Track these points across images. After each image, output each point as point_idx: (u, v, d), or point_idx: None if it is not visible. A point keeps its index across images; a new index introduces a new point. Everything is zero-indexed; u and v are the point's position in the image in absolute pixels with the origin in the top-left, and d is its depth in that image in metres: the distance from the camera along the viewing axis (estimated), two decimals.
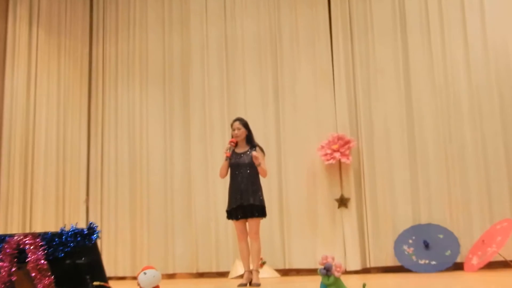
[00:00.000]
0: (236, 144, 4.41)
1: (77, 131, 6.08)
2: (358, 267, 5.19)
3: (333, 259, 5.47)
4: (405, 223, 5.20)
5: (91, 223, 3.16)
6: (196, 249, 5.67)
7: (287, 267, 5.43)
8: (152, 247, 5.80)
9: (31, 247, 2.79)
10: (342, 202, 5.37)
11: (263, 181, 4.46)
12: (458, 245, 4.95)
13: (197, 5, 6.14)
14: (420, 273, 4.85)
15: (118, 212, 5.96)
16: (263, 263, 5.13)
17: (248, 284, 4.15)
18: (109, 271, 4.93)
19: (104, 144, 6.16)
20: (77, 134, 6.08)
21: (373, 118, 5.47)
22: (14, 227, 5.01)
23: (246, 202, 4.22)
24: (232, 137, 4.39)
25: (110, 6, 6.43)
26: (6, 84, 5.36)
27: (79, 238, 3.08)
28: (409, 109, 5.41)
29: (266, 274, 5.07)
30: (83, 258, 3.04)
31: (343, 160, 5.30)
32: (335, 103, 5.57)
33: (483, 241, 4.83)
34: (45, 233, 2.92)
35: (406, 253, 5.06)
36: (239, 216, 4.26)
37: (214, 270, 5.60)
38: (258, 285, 4.05)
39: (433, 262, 4.90)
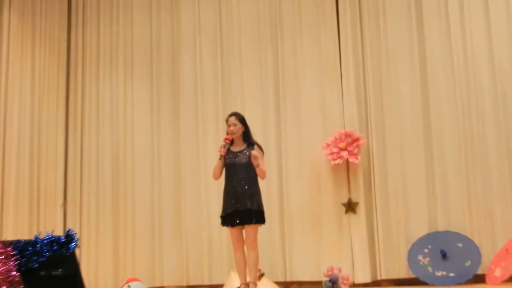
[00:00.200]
0: (232, 142, 4.42)
1: (53, 126, 6.08)
2: (367, 279, 5.22)
3: (339, 270, 5.49)
4: (420, 231, 5.23)
5: (69, 230, 3.18)
6: (187, 259, 5.70)
7: (288, 279, 5.46)
8: (137, 256, 5.83)
9: (1, 257, 2.81)
10: (350, 206, 5.40)
11: (261, 183, 4.47)
12: (480, 255, 4.97)
13: None
14: (437, 286, 4.89)
15: (100, 218, 5.97)
16: (262, 275, 5.14)
17: None
18: (88, 283, 4.95)
19: (84, 140, 6.16)
20: (54, 129, 6.08)
21: (385, 113, 5.49)
22: None
23: (242, 207, 4.23)
24: (228, 133, 4.40)
25: None
26: None
27: (55, 247, 3.11)
28: (425, 102, 5.42)
29: (264, 287, 5.09)
30: (59, 270, 3.06)
31: (351, 159, 5.32)
32: (342, 95, 5.59)
33: (506, 250, 4.85)
34: (17, 241, 2.94)
35: (421, 263, 5.08)
36: (235, 223, 4.27)
37: (206, 282, 5.63)
38: None
39: (452, 274, 4.93)
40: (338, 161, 5.33)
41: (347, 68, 5.59)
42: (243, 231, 4.30)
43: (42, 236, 3.19)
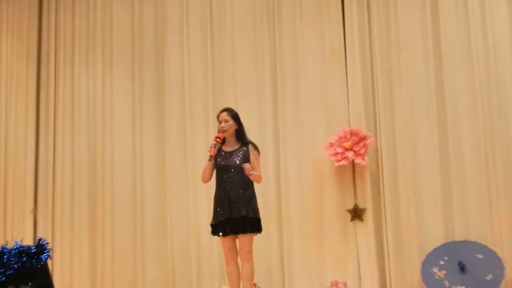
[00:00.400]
0: (224, 141, 4.42)
1: (22, 124, 6.08)
2: None
3: (344, 285, 5.48)
4: (435, 240, 5.23)
5: (40, 239, 3.17)
6: (173, 272, 5.71)
7: None
8: (116, 270, 5.83)
9: None
10: (356, 213, 5.41)
11: (258, 187, 4.47)
12: (502, 267, 4.97)
13: None
14: None
15: (74, 226, 5.98)
16: None
17: None
18: None
19: (57, 140, 6.18)
20: (23, 127, 6.08)
21: (395, 109, 5.50)
22: None
23: (236, 214, 4.24)
24: (219, 131, 4.40)
25: None
26: None
27: (24, 258, 3.11)
28: (440, 97, 5.43)
29: None
30: (29, 283, 3.06)
31: (358, 161, 5.33)
32: (347, 89, 5.60)
33: None
34: None
35: (436, 277, 5.08)
36: (228, 232, 4.28)
37: None
38: None
39: None
40: (343, 162, 5.33)
41: (353, 59, 5.60)
42: (237, 240, 4.31)
43: (9, 246, 3.18)
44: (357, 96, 5.54)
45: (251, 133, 4.61)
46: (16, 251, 3.11)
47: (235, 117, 4.45)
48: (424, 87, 5.47)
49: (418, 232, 5.30)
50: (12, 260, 3.04)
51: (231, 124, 4.40)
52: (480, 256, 5.05)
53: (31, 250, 3.14)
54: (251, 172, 4.23)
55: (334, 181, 5.50)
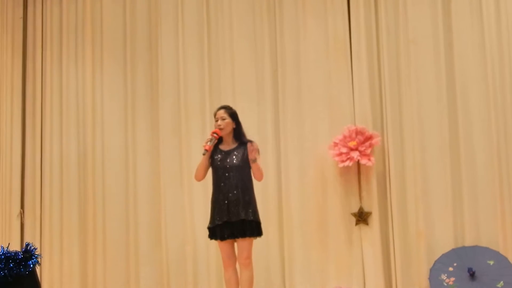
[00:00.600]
0: (221, 140, 4.47)
1: (7, 122, 6.10)
2: None
3: None
4: (444, 246, 5.29)
5: (27, 245, 3.19)
6: (167, 279, 5.74)
7: None
8: (108, 276, 5.86)
9: None
10: (361, 217, 5.46)
11: (257, 189, 4.54)
12: None
13: None
14: None
15: (64, 230, 5.99)
16: None
17: None
18: None
19: (45, 139, 6.17)
20: (8, 126, 6.11)
21: (403, 106, 5.53)
22: None
23: (235, 218, 4.30)
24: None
25: None
26: None
27: (11, 265, 3.12)
28: (451, 95, 5.47)
29: None
30: None
31: (363, 161, 5.36)
32: (352, 85, 5.64)
33: None
34: None
35: (445, 284, 5.13)
36: (226, 236, 4.34)
37: None
38: None
39: None
40: (348, 163, 5.36)
41: (359, 53, 5.63)
42: (235, 245, 4.37)
43: None
44: (363, 93, 5.57)
45: (250, 132, 4.69)
46: (2, 257, 3.12)
47: (232, 115, 4.51)
48: (434, 83, 5.50)
49: (426, 237, 5.34)
50: None
51: (228, 122, 4.46)
52: (491, 262, 5.09)
53: (18, 256, 3.13)
54: (255, 158, 4.26)
55: (338, 182, 5.54)
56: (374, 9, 5.69)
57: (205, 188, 5.23)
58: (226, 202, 4.33)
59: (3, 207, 5.94)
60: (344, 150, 5.40)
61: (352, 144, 5.38)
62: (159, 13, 6.10)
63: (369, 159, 5.36)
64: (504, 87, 5.33)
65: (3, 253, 3.13)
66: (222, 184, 4.37)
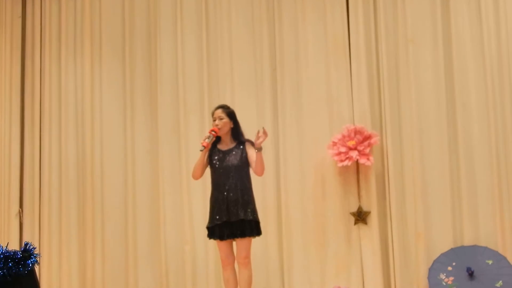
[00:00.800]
0: (219, 139, 4.50)
1: (6, 121, 6.11)
2: None
3: None
4: (443, 245, 5.31)
5: (26, 244, 3.21)
6: (166, 278, 5.76)
7: None
8: (107, 276, 5.88)
9: None
10: (360, 216, 5.48)
11: (255, 188, 4.57)
12: None
13: None
14: None
15: (63, 230, 5.99)
16: None
17: None
18: None
19: (44, 137, 6.17)
20: (6, 125, 6.11)
21: (402, 106, 5.55)
22: None
23: (234, 218, 4.33)
24: None
25: None
26: None
27: (10, 264, 3.14)
28: (450, 94, 5.48)
29: None
30: None
31: (362, 161, 5.37)
32: (351, 84, 5.65)
33: None
34: None
35: (443, 283, 5.14)
36: (225, 235, 4.36)
37: None
38: None
39: None
40: (347, 162, 5.37)
41: (358, 51, 5.65)
42: (234, 244, 4.40)
43: None
44: (362, 92, 5.57)
45: (248, 130, 4.69)
46: (1, 256, 3.12)
47: (230, 114, 4.53)
48: (432, 82, 5.51)
49: (425, 236, 5.35)
50: None
51: (225, 122, 4.48)
52: (489, 261, 5.11)
53: (17, 255, 3.13)
54: (261, 147, 4.27)
55: (337, 182, 5.55)
56: (373, 8, 5.70)
57: (204, 188, 5.25)
58: (225, 202, 4.35)
59: (1, 206, 5.93)
60: (343, 149, 5.40)
61: (351, 143, 5.39)
62: (158, 11, 6.11)
63: (368, 159, 5.36)
64: (503, 86, 5.34)
65: (2, 252, 3.14)
66: (221, 184, 4.40)
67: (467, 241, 5.31)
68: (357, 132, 5.44)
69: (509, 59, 5.36)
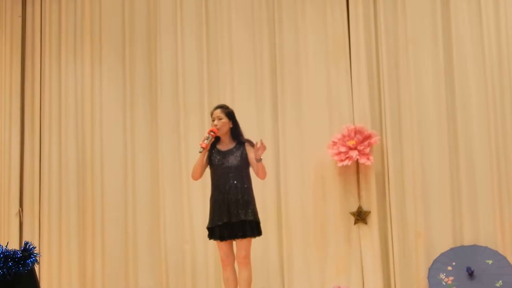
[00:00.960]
0: (218, 139, 4.51)
1: (6, 121, 6.13)
2: None
3: None
4: (443, 245, 5.32)
5: (26, 244, 3.22)
6: (166, 278, 5.77)
7: None
8: (107, 275, 5.90)
9: None
10: (360, 216, 5.50)
11: (255, 188, 4.58)
12: None
13: None
14: None
15: (63, 229, 6.01)
16: None
17: None
18: None
19: (43, 137, 6.19)
20: (7, 125, 6.13)
21: (402, 105, 5.56)
22: None
23: (235, 218, 4.33)
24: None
25: None
26: None
27: (10, 264, 3.15)
28: (450, 94, 5.49)
29: None
30: None
31: (362, 161, 5.39)
32: (351, 84, 5.66)
33: None
34: None
35: (443, 283, 5.15)
36: (226, 237, 4.37)
37: None
38: None
39: None
40: (347, 162, 5.38)
41: (358, 51, 5.66)
42: (234, 244, 4.42)
43: None
44: (362, 92, 5.59)
45: (248, 130, 4.72)
46: (1, 256, 3.13)
47: (229, 114, 4.53)
48: (433, 82, 5.52)
49: (425, 236, 5.37)
50: None
51: (224, 122, 4.48)
52: (489, 261, 5.12)
53: (17, 255, 3.14)
54: (261, 158, 4.29)
55: (337, 182, 5.56)
56: (373, 8, 5.71)
57: (204, 187, 5.25)
58: (225, 202, 4.36)
59: (1, 205, 5.94)
60: (343, 149, 5.42)
61: (351, 143, 5.40)
62: (158, 11, 6.11)
63: (368, 158, 5.38)
64: (503, 86, 5.36)
65: (2, 252, 3.14)
66: (221, 184, 4.40)
67: (467, 241, 5.33)
68: (357, 132, 5.46)
69: (509, 59, 5.38)
